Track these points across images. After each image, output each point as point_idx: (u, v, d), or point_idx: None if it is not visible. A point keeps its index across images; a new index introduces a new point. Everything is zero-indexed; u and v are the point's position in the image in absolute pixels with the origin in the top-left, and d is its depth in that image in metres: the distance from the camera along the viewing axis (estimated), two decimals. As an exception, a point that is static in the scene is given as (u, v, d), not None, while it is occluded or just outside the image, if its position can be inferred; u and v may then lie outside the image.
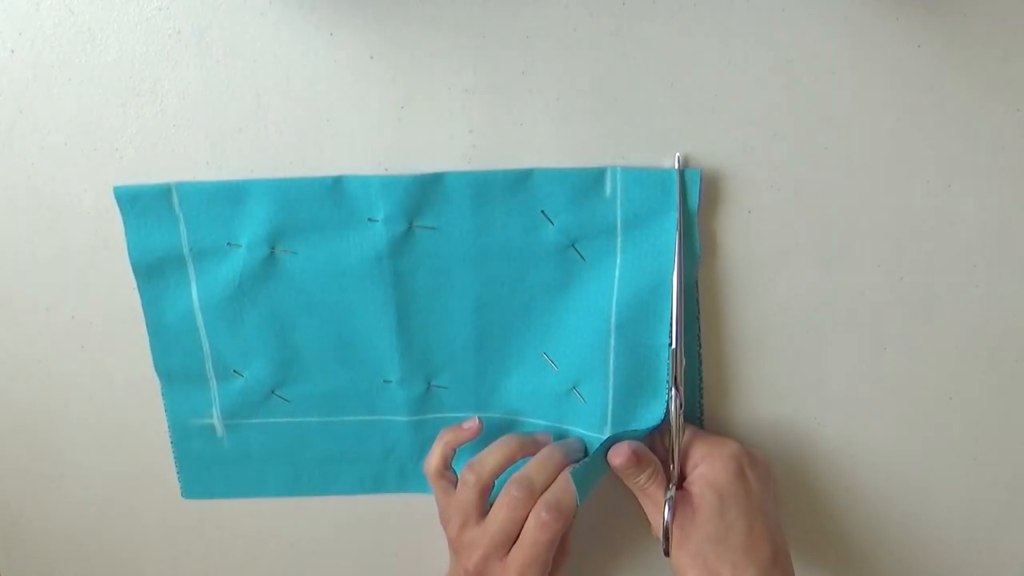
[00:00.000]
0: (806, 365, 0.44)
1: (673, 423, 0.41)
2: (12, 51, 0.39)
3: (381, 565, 0.51)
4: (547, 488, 0.40)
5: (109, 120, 0.40)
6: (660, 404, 0.42)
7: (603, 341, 0.42)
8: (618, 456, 0.40)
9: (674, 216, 0.39)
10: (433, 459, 0.44)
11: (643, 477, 0.40)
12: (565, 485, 0.40)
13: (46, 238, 0.43)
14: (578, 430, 0.44)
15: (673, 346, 0.41)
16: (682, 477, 0.42)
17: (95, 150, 0.41)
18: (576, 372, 0.43)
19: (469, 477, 0.42)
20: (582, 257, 0.41)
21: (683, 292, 0.40)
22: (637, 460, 0.40)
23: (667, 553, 0.39)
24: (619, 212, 0.40)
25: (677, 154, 0.40)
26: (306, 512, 0.50)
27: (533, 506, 0.40)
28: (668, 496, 0.39)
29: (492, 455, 0.42)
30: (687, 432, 0.42)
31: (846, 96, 0.39)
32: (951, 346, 0.44)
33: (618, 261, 0.41)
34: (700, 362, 0.44)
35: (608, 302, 0.42)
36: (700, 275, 0.42)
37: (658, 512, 0.40)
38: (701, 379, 0.44)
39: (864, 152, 0.40)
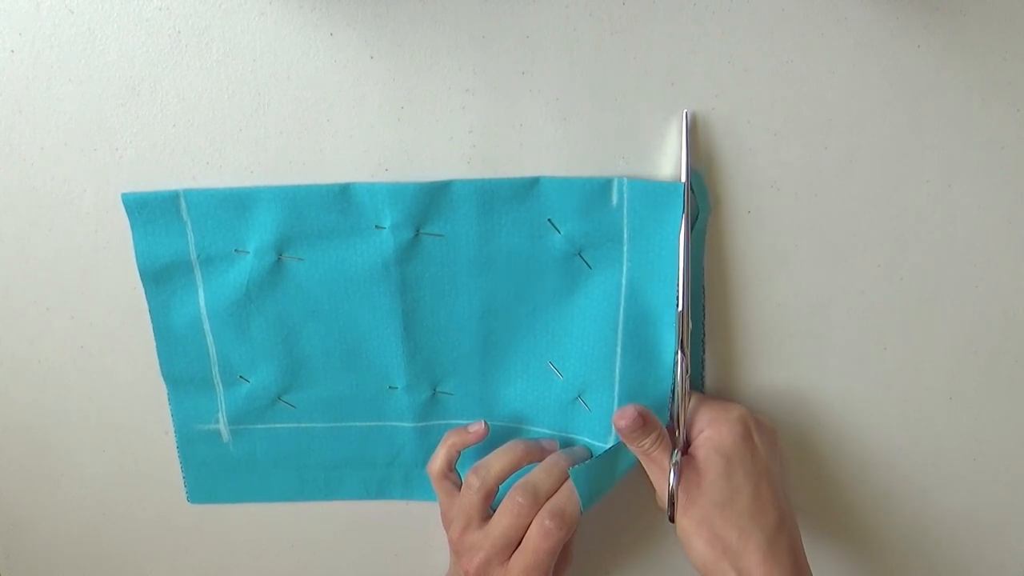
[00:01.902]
0: (806, 366, 0.44)
1: (678, 388, 0.40)
2: (12, 51, 0.39)
3: (381, 565, 0.51)
4: (552, 495, 0.40)
5: (109, 120, 0.40)
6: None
7: (609, 350, 0.42)
8: (623, 418, 0.39)
9: (680, 227, 0.39)
10: (437, 461, 0.44)
11: (648, 441, 0.39)
12: (570, 493, 0.40)
13: (46, 238, 0.43)
14: (583, 439, 0.44)
15: (680, 308, 0.40)
16: (687, 443, 0.41)
17: (95, 150, 0.41)
18: (582, 381, 0.43)
19: (474, 481, 0.42)
20: (588, 266, 0.41)
21: (690, 271, 0.39)
22: (643, 423, 0.39)
23: (672, 519, 0.39)
24: (625, 222, 0.40)
25: (685, 111, 0.39)
26: (306, 513, 0.50)
27: (537, 513, 0.40)
28: (673, 461, 0.39)
29: (498, 460, 0.42)
30: (693, 398, 0.42)
31: (846, 96, 0.39)
32: (951, 346, 0.44)
33: (624, 270, 0.41)
34: (703, 364, 0.44)
35: (614, 311, 0.41)
36: (700, 275, 0.42)
37: (663, 477, 0.39)
38: (704, 377, 0.44)
39: (864, 152, 0.40)
